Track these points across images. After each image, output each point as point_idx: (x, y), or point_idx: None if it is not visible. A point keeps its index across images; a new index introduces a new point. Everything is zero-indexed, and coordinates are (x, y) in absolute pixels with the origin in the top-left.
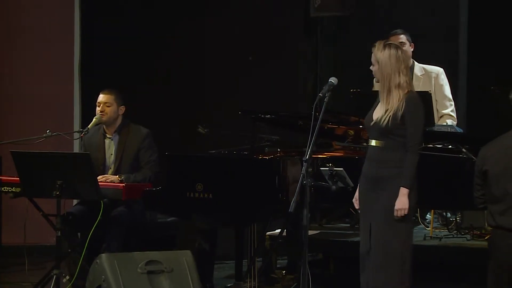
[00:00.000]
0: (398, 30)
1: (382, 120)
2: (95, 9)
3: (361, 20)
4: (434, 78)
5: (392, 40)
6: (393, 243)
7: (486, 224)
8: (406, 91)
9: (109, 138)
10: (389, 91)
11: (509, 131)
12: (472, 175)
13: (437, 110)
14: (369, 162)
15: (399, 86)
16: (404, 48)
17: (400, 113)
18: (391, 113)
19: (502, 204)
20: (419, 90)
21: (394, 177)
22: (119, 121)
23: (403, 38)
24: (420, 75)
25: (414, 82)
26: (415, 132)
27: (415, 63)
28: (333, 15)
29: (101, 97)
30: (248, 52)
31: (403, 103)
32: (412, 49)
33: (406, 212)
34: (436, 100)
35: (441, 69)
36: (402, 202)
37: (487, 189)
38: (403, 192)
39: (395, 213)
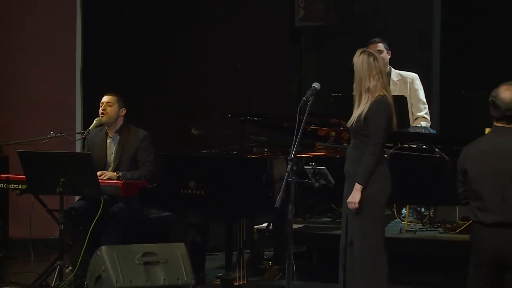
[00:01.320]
0: (377, 39)
1: (352, 121)
2: (96, 16)
3: (342, 29)
4: (410, 83)
5: (371, 48)
6: (363, 237)
7: (457, 218)
8: (376, 95)
9: (111, 137)
10: (360, 95)
11: (487, 134)
12: (444, 174)
13: (412, 113)
14: (346, 160)
15: (368, 90)
16: (381, 55)
17: (363, 115)
18: (356, 115)
19: (481, 201)
20: (395, 94)
21: None
22: (120, 122)
23: (381, 46)
24: (397, 80)
25: (391, 87)
26: (375, 133)
27: (392, 69)
28: (316, 25)
29: (104, 98)
30: (239, 60)
31: (367, 106)
32: (389, 56)
33: (355, 206)
34: (411, 104)
35: (416, 75)
36: (353, 196)
37: (467, 186)
38: (356, 187)
39: (347, 205)
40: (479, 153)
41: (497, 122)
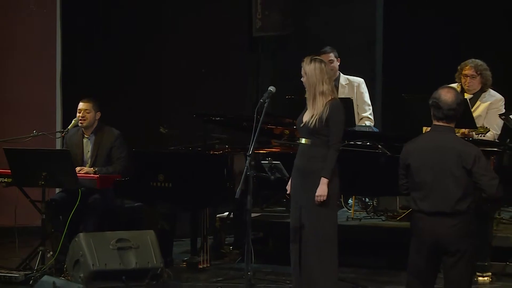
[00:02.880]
0: (327, 48)
1: (310, 122)
2: (74, 25)
3: (295, 38)
4: (356, 87)
5: (322, 57)
6: (323, 225)
7: (398, 207)
8: (329, 98)
9: (87, 138)
10: (314, 98)
11: (428, 132)
12: (386, 167)
13: (358, 113)
14: (299, 157)
15: (322, 93)
16: (332, 64)
17: (324, 116)
18: (317, 117)
19: (422, 192)
20: (343, 96)
21: (321, 170)
22: (95, 124)
23: (331, 55)
24: (345, 84)
25: (340, 90)
26: (337, 132)
27: (341, 74)
28: (272, 35)
29: (81, 105)
30: (202, 66)
31: (327, 108)
32: (338, 63)
33: (324, 198)
34: (357, 105)
35: (362, 80)
36: (321, 190)
37: (410, 178)
38: (323, 181)
39: (316, 199)
40: (421, 149)
41: (437, 121)
